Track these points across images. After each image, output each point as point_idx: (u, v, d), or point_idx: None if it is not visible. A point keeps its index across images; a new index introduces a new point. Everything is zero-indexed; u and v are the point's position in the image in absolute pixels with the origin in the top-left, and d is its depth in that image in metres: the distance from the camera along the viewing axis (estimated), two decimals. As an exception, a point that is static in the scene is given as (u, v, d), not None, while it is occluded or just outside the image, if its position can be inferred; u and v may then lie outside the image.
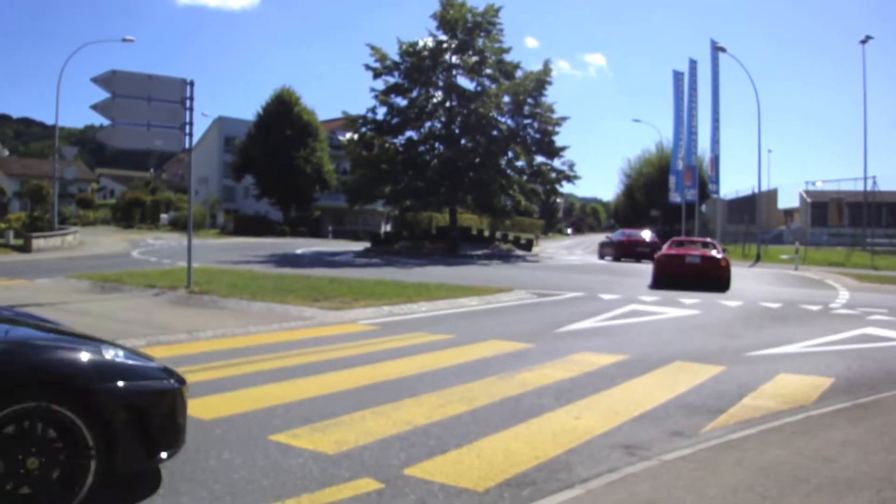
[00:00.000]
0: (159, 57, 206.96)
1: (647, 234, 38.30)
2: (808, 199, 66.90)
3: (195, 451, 4.64)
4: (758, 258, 38.45)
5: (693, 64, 46.73)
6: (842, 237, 51.91)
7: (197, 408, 5.65)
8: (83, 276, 17.21)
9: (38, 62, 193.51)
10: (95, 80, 14.05)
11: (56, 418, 3.63)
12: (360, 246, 47.33)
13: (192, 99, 14.79)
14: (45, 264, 23.33)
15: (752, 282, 23.44)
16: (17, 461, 3.54)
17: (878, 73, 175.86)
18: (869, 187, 41.25)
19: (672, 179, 50.95)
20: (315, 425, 5.28)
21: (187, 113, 14.76)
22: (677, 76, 48.08)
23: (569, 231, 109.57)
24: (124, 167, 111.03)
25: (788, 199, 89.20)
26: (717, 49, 41.34)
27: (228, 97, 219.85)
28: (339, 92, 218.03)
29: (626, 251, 36.18)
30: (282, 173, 63.21)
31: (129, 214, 70.41)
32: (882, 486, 4.19)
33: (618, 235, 39.90)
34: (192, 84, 14.82)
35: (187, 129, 14.80)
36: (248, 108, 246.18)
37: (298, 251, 37.38)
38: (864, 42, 44.94)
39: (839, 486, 4.19)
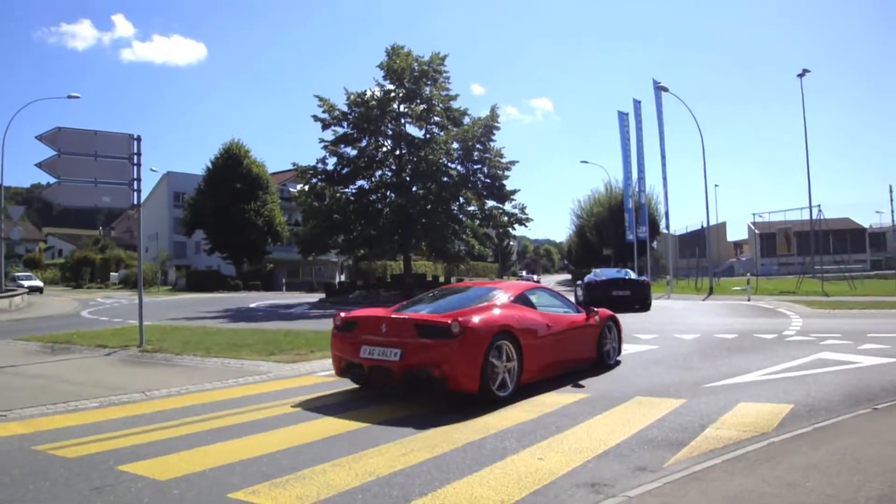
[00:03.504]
0: (106, 113, 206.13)
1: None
2: (757, 231, 68.26)
3: None
4: (710, 291, 38.97)
5: (637, 104, 47.68)
6: (791, 266, 52.99)
7: (153, 468, 5.51)
8: (32, 337, 16.83)
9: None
10: (40, 138, 13.85)
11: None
12: (315, 297, 47.04)
13: (139, 154, 14.64)
14: (-8, 329, 22.73)
15: (706, 314, 23.69)
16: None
17: (816, 104, 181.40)
18: (815, 216, 42.12)
19: (626, 218, 51.57)
20: (275, 481, 5.16)
21: (135, 168, 14.59)
22: (622, 117, 48.92)
23: (523, 273, 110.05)
24: (72, 226, 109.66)
25: (737, 232, 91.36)
26: (659, 89, 42.17)
27: (177, 152, 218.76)
28: (289, 144, 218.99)
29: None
30: (233, 227, 62.95)
31: (79, 274, 69.39)
32: (847, 509, 4.20)
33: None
34: (139, 139, 14.68)
35: (135, 185, 14.62)
36: (197, 162, 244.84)
37: (252, 305, 37.04)
38: (801, 75, 46.22)
39: (805, 513, 4.19)
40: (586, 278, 29.76)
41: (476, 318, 8.46)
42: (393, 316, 8.99)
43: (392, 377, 8.42)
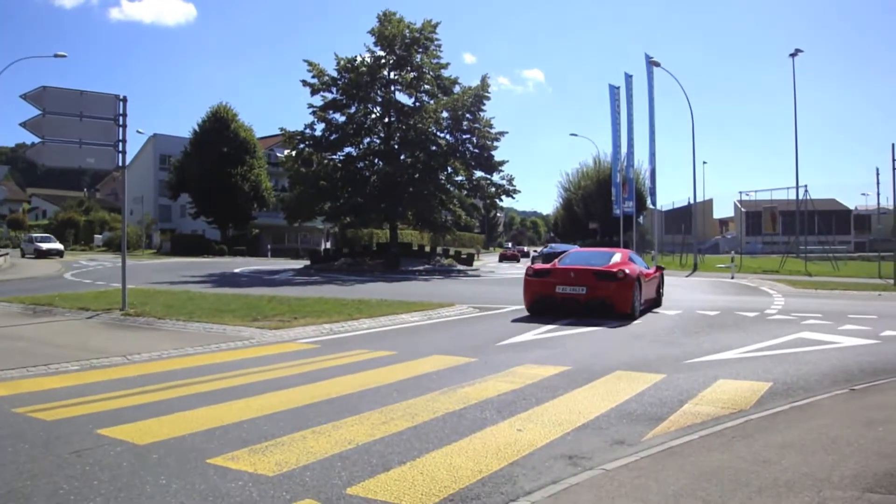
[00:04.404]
0: (92, 73, 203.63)
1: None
2: (743, 209, 68.47)
3: (131, 476, 4.50)
4: (695, 268, 39.17)
5: (629, 78, 47.42)
6: (776, 245, 53.24)
7: (132, 432, 5.51)
8: (13, 299, 16.75)
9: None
10: (25, 97, 13.71)
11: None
12: (299, 264, 46.99)
13: (125, 116, 14.52)
14: (-26, 289, 22.59)
15: (689, 291, 23.84)
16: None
17: (807, 84, 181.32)
18: (801, 196, 42.31)
19: (613, 192, 51.57)
20: (254, 447, 5.16)
21: (120, 130, 14.48)
22: (613, 91, 48.70)
23: (509, 245, 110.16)
24: (57, 186, 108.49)
25: (723, 209, 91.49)
26: (651, 63, 42.03)
27: (164, 114, 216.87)
28: (277, 108, 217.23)
29: None
30: (219, 191, 62.57)
31: (63, 235, 68.83)
32: (822, 486, 4.24)
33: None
34: (125, 100, 14.55)
35: (120, 147, 14.51)
36: (184, 125, 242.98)
37: (237, 270, 36.98)
38: (793, 55, 46.30)
39: (780, 488, 4.23)
40: (544, 250, 41.32)
41: (628, 270, 14.78)
42: (579, 267, 15.10)
43: (580, 304, 14.51)
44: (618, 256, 16.03)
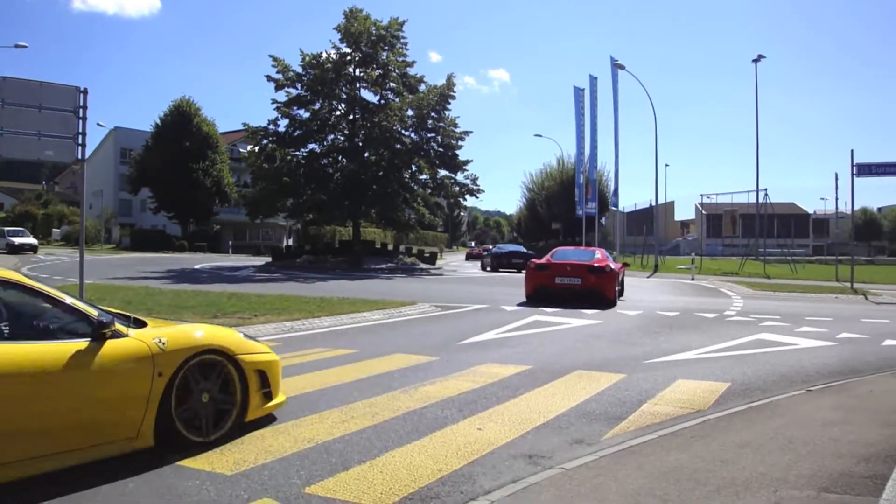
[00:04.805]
0: (53, 64, 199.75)
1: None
2: (704, 211, 69.20)
3: (86, 475, 4.42)
4: (656, 269, 39.48)
5: (593, 80, 47.66)
6: (735, 247, 53.90)
7: (86, 429, 5.40)
8: (-34, 293, 16.38)
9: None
10: (-19, 87, 13.41)
11: None
12: (261, 260, 46.66)
13: (85, 108, 14.22)
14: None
15: (650, 292, 24.02)
16: None
17: (769, 90, 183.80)
18: (761, 199, 42.82)
19: (577, 193, 51.83)
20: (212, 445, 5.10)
21: (80, 122, 14.17)
22: (578, 92, 48.90)
23: (472, 244, 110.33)
24: (15, 179, 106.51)
25: (685, 212, 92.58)
26: (616, 66, 42.27)
27: (125, 107, 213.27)
28: (241, 103, 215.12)
29: None
30: (180, 186, 61.83)
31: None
32: (778, 485, 4.29)
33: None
34: (85, 92, 14.26)
35: (80, 140, 14.24)
36: (145, 118, 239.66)
37: (197, 266, 36.61)
38: (756, 61, 46.81)
39: (737, 487, 4.27)
40: (493, 249, 46.79)
41: (613, 265, 18.74)
42: (574, 262, 18.46)
43: (575, 292, 17.60)
44: (599, 254, 19.84)
